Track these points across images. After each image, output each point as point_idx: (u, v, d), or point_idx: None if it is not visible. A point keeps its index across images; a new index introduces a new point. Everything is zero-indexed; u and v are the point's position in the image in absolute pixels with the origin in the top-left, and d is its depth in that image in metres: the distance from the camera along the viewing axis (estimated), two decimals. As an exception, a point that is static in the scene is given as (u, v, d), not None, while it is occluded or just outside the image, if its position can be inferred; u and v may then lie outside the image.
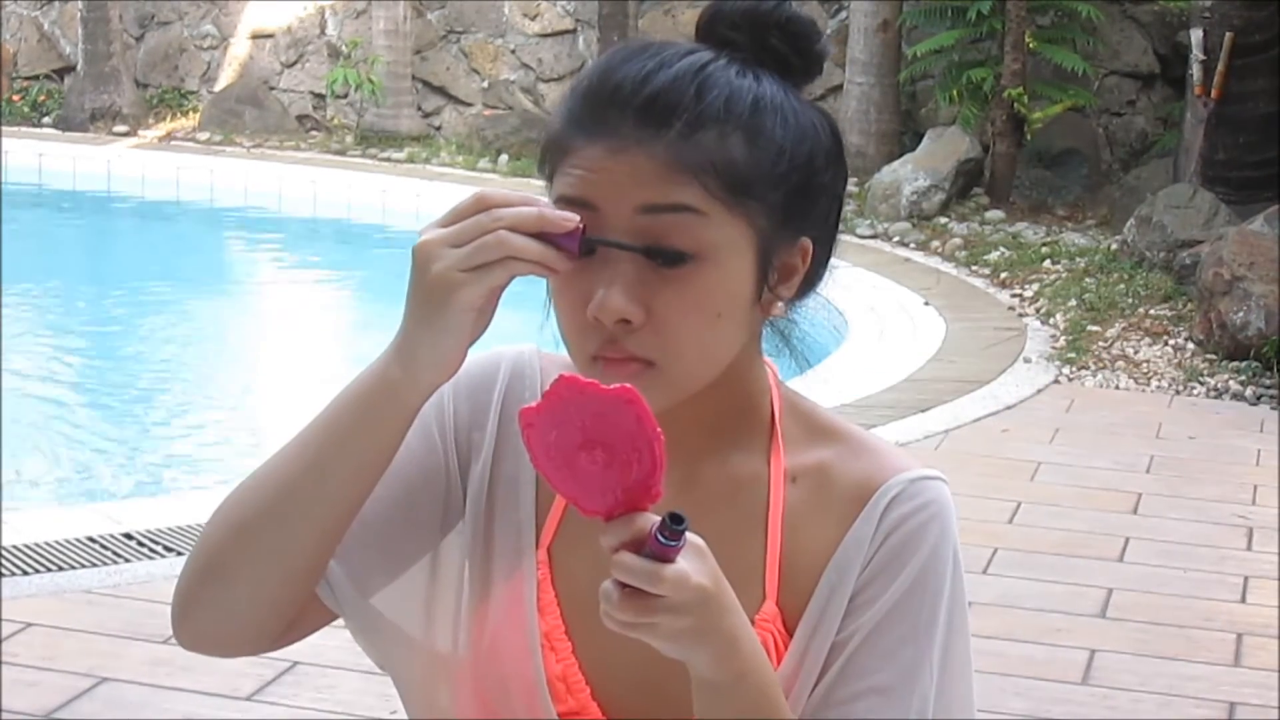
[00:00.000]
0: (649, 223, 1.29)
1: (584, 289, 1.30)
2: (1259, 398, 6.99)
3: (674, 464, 1.37)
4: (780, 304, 1.37)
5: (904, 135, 11.20)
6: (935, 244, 9.72)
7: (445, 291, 1.26)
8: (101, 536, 4.63)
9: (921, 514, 1.37)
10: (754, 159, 1.31)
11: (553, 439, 1.21)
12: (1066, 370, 7.29)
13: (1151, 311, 8.07)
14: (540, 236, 1.26)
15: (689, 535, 1.21)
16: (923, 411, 6.42)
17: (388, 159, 12.57)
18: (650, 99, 1.30)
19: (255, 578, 1.37)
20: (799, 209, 1.34)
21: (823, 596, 1.37)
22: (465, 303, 1.26)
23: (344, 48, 13.32)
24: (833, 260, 1.41)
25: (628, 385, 1.20)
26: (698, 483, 1.41)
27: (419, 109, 13.25)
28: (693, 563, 1.22)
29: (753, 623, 1.36)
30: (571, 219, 1.27)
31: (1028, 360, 7.37)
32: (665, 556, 1.20)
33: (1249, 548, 5.18)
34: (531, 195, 1.29)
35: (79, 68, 13.90)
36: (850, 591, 1.37)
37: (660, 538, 1.19)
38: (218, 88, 13.93)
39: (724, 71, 1.33)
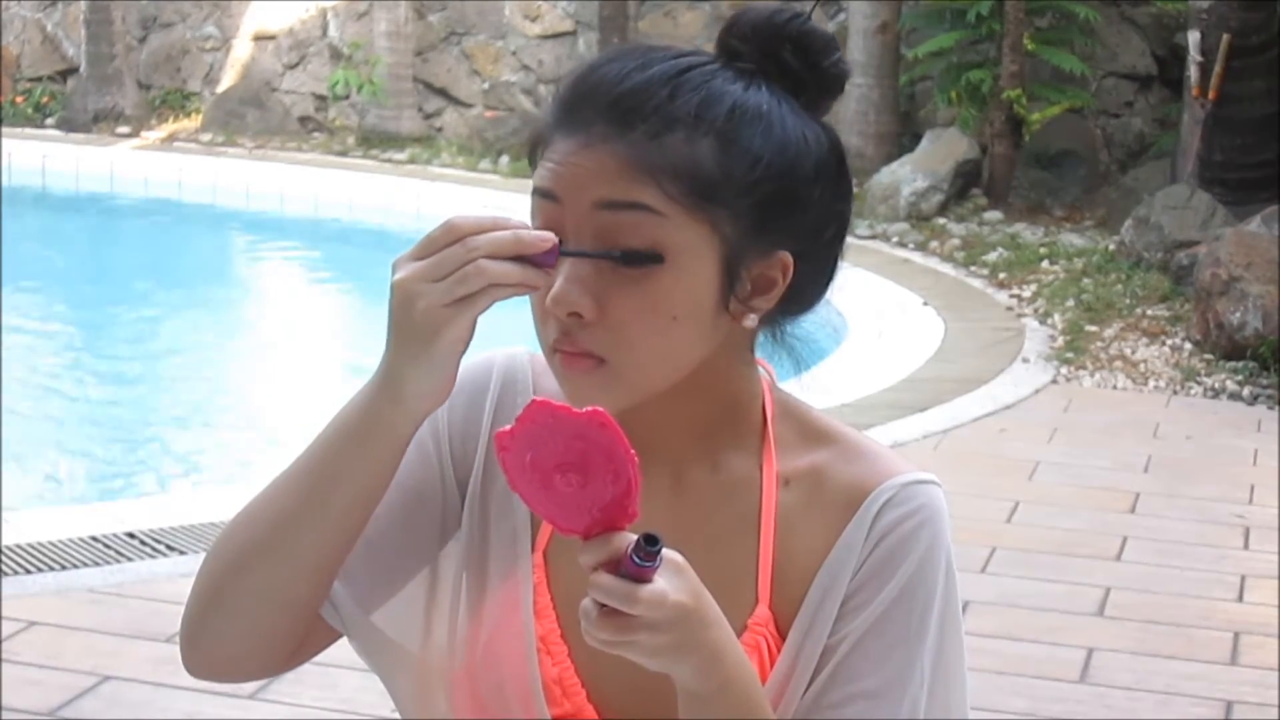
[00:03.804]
0: (606, 219, 1.30)
1: (549, 281, 1.31)
2: (1256, 397, 7.01)
3: (664, 469, 1.39)
4: (752, 316, 1.35)
5: (903, 136, 11.22)
6: (934, 244, 9.73)
7: (432, 329, 1.26)
8: (104, 535, 4.64)
9: (913, 519, 1.37)
10: (724, 165, 1.31)
11: (528, 461, 1.22)
12: (1064, 370, 7.31)
13: (1149, 312, 8.09)
14: (517, 257, 1.27)
15: (667, 552, 1.22)
16: (921, 411, 6.43)
17: (389, 160, 12.58)
18: (620, 98, 1.31)
19: (258, 608, 1.37)
20: (775, 220, 1.33)
21: (815, 601, 1.38)
22: (452, 336, 1.26)
23: (345, 49, 13.34)
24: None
25: (599, 409, 1.21)
26: (688, 487, 1.41)
27: (420, 110, 13.27)
28: (671, 580, 1.23)
29: (745, 626, 1.37)
30: (547, 238, 1.27)
31: (1026, 360, 7.38)
32: (641, 576, 1.21)
33: (1246, 547, 5.19)
34: (501, 217, 1.28)
35: (82, 69, 13.92)
36: (842, 596, 1.37)
37: (635, 559, 1.20)
38: (220, 89, 13.95)
39: (708, 77, 1.33)
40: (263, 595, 1.37)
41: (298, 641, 1.42)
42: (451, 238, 1.26)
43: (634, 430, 1.26)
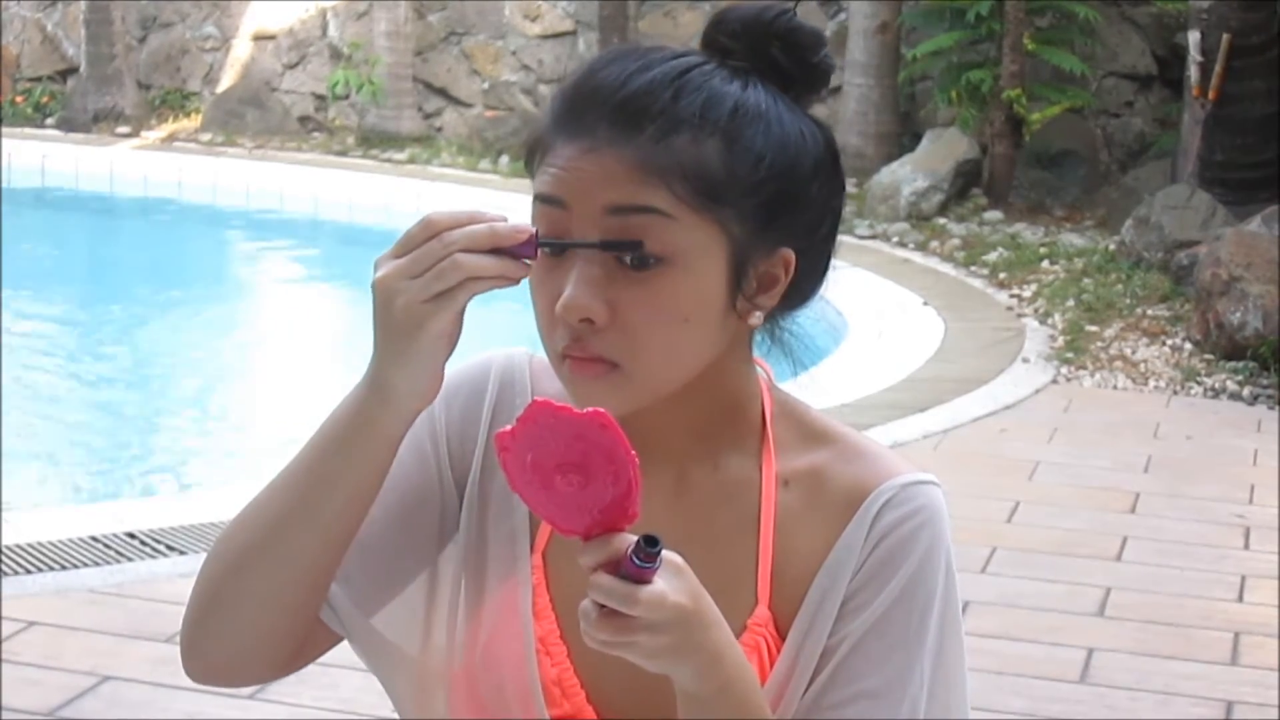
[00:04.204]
0: (617, 224, 1.29)
1: (556, 286, 1.31)
2: (1256, 398, 7.01)
3: (663, 469, 1.39)
4: (758, 313, 1.36)
5: (903, 136, 11.22)
6: (934, 244, 9.73)
7: (413, 325, 1.26)
8: (104, 535, 4.64)
9: (913, 520, 1.37)
10: (729, 165, 1.31)
11: (529, 461, 1.22)
12: (1065, 370, 7.31)
13: (1149, 312, 8.09)
14: (494, 250, 1.26)
15: (666, 554, 1.22)
16: (921, 411, 6.43)
17: (389, 160, 12.58)
18: (625, 101, 1.31)
19: (255, 610, 1.38)
20: (778, 218, 1.34)
21: (814, 602, 1.38)
22: (434, 331, 1.27)
23: (345, 49, 13.34)
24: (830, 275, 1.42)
25: (601, 410, 1.21)
26: (688, 488, 1.41)
27: (420, 110, 13.27)
28: (670, 581, 1.23)
29: (744, 627, 1.37)
30: (524, 230, 1.27)
31: (1026, 360, 7.38)
32: (641, 578, 1.21)
33: (1246, 547, 5.19)
34: (478, 210, 1.28)
35: (82, 69, 13.92)
36: (841, 597, 1.37)
37: (635, 560, 1.20)
38: (220, 89, 13.95)
39: (707, 77, 1.33)
40: (260, 597, 1.37)
41: (297, 644, 1.42)
42: (428, 234, 1.26)
43: (635, 431, 1.26)
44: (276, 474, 1.37)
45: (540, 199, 1.33)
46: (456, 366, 1.40)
